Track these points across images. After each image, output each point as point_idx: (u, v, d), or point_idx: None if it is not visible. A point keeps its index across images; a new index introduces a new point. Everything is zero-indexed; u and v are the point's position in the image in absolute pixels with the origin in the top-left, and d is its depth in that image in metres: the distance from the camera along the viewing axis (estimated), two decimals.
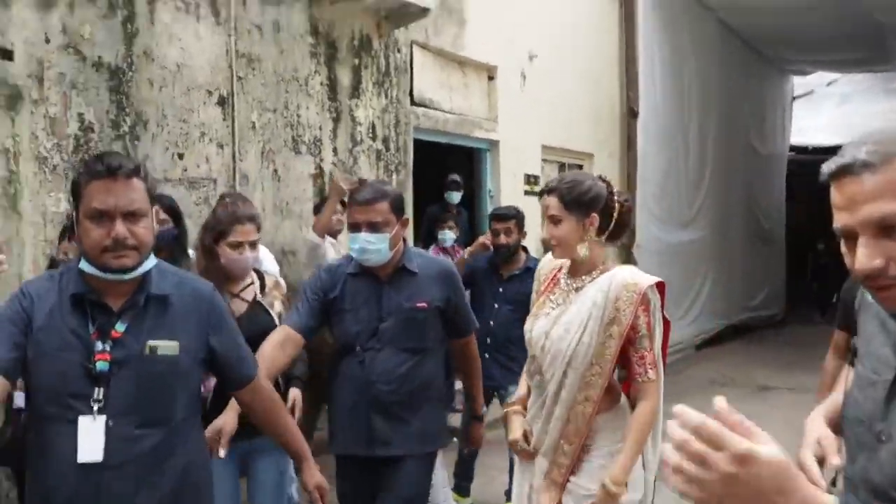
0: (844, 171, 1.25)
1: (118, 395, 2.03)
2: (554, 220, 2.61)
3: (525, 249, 5.29)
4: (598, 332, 2.56)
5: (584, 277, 2.67)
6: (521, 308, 4.96)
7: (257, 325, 3.22)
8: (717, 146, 12.01)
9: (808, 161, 16.87)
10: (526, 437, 2.78)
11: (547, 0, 8.62)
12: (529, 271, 5.02)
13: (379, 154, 6.81)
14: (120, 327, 2.10)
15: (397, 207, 3.09)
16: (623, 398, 2.69)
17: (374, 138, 6.75)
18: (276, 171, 5.93)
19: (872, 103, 15.61)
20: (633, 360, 2.59)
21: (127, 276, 2.10)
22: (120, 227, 2.03)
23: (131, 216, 2.06)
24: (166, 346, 2.10)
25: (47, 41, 4.67)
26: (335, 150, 6.41)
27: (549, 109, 8.72)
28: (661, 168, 10.32)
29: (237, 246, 3.25)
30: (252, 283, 3.42)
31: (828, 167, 1.27)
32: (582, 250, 2.60)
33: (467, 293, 5.23)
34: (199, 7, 5.42)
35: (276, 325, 3.27)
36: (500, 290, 5.10)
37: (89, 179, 2.07)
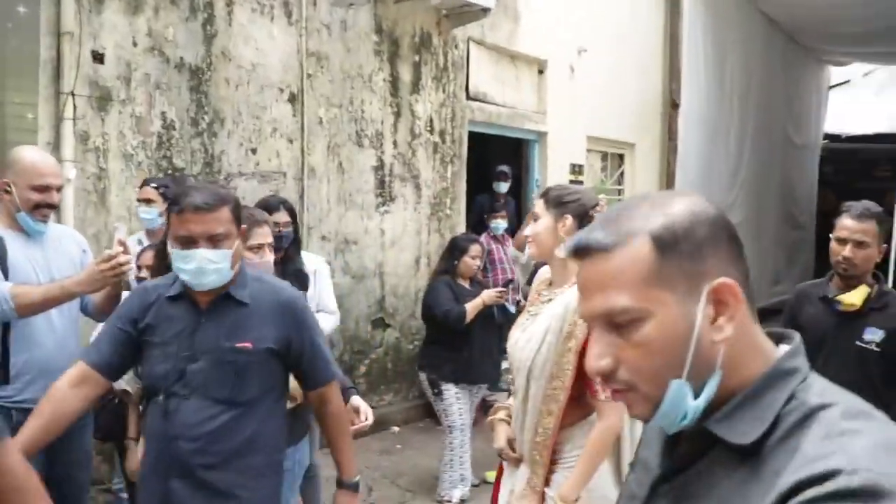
0: (581, 252, 1.07)
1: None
2: (534, 217, 2.70)
3: None
4: (556, 344, 2.54)
5: (556, 290, 2.67)
6: None
7: None
8: (755, 136, 12.12)
9: (840, 149, 16.95)
10: (511, 444, 2.75)
11: None
12: None
13: (436, 146, 7.03)
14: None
15: (237, 215, 2.45)
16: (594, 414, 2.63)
17: (431, 131, 6.97)
18: (340, 164, 6.17)
19: None
20: (589, 379, 2.47)
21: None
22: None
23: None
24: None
25: (135, 44, 4.92)
26: (395, 143, 6.64)
27: (595, 101, 8.88)
28: (701, 158, 10.45)
29: (258, 249, 3.11)
30: None
31: (567, 245, 1.10)
32: (559, 252, 2.48)
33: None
34: (272, 8, 5.64)
35: None
36: None
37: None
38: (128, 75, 4.89)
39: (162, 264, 3.05)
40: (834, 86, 16.22)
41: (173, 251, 2.36)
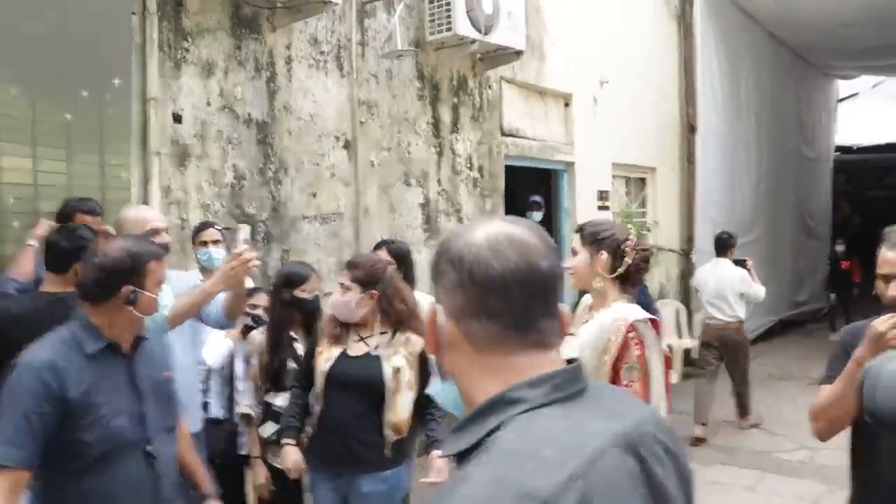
0: None
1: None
2: (573, 252, 2.97)
3: None
4: (592, 359, 2.78)
5: (594, 312, 2.93)
6: None
7: (360, 371, 3.49)
8: (771, 153, 12.53)
9: (852, 160, 17.36)
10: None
11: (615, 27, 9.24)
12: None
13: (475, 182, 7.47)
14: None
15: None
16: None
17: (471, 168, 7.42)
18: (391, 202, 6.61)
19: None
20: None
21: None
22: None
23: None
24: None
25: (208, 104, 5.37)
26: (439, 181, 7.08)
27: (617, 129, 9.33)
28: (721, 177, 10.86)
29: (341, 287, 3.58)
30: (384, 332, 3.58)
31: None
32: (596, 283, 2.90)
33: None
34: (326, 63, 6.10)
35: (381, 381, 3.45)
36: None
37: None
38: (203, 133, 5.33)
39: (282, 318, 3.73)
40: (843, 98, 16.64)
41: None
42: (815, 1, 10.46)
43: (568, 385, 1.14)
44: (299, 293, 3.99)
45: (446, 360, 1.21)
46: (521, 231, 1.19)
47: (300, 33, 5.92)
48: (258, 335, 4.09)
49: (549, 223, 8.74)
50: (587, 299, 3.11)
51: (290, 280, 4.03)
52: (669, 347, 9.60)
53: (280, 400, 3.92)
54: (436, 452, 3.51)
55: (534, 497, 0.97)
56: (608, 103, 9.14)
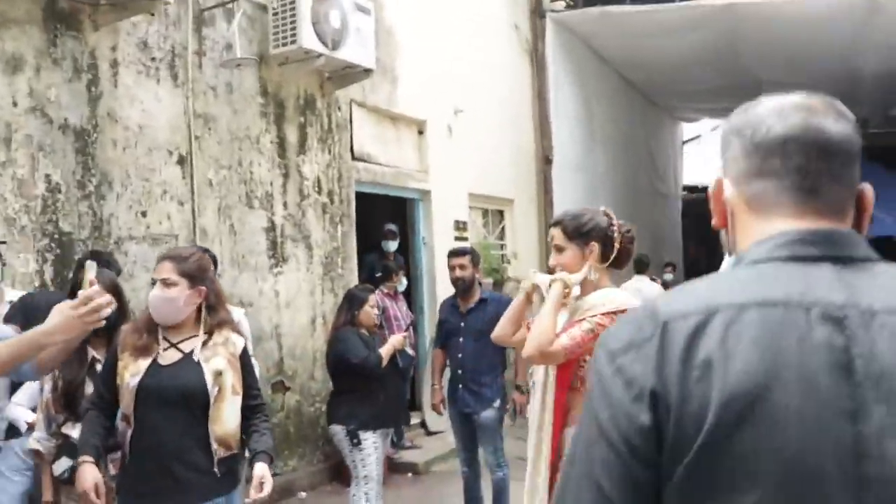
0: None
1: None
2: (558, 249, 2.86)
3: (480, 283, 5.69)
4: (566, 319, 2.77)
5: (582, 297, 2.85)
6: (483, 337, 5.34)
7: (177, 380, 2.99)
8: (625, 185, 12.77)
9: (698, 200, 18.02)
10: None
11: (469, 57, 9.09)
12: (484, 302, 5.42)
13: (325, 207, 7.06)
14: None
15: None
16: None
17: (319, 192, 7.00)
18: (232, 225, 6.11)
19: None
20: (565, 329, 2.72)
21: None
22: None
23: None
24: None
25: (14, 104, 4.76)
26: (285, 205, 6.63)
27: (473, 159, 9.16)
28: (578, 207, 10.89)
29: (153, 284, 3.07)
30: (196, 335, 3.10)
31: None
32: (591, 275, 2.82)
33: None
34: (158, 70, 5.59)
35: (204, 387, 2.99)
36: (462, 324, 5.45)
37: None
38: (8, 136, 4.72)
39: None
40: (687, 140, 17.34)
41: None
42: (655, 42, 10.75)
43: (802, 246, 1.08)
44: None
45: (731, 232, 1.20)
46: (809, 98, 1.16)
47: (128, 35, 5.40)
48: None
49: (406, 253, 8.42)
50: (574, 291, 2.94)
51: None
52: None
53: (77, 432, 3.25)
54: (258, 466, 2.99)
55: (656, 314, 1.05)
56: (463, 132, 8.97)
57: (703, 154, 17.29)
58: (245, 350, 3.19)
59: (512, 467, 5.64)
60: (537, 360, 2.74)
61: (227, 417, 3.02)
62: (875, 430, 0.94)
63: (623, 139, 12.79)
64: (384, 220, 7.96)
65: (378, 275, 7.26)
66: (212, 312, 3.12)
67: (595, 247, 2.81)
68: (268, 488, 2.97)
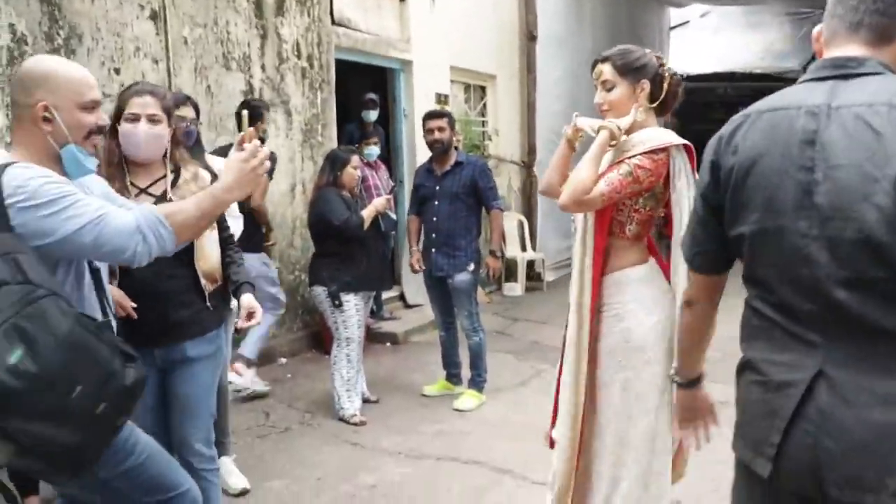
0: None
1: None
2: (607, 86, 2.73)
3: (456, 148, 5.62)
4: (608, 162, 2.69)
5: (624, 138, 2.72)
6: (457, 201, 5.31)
7: None
8: None
9: (684, 88, 17.80)
10: None
11: None
12: (460, 165, 5.35)
13: (304, 72, 6.86)
14: None
15: None
16: (651, 261, 2.76)
17: (298, 56, 6.79)
18: (209, 87, 5.92)
19: (739, 35, 16.50)
20: (604, 173, 2.63)
21: None
22: None
23: None
24: None
25: None
26: (263, 67, 6.42)
27: (456, 32, 8.91)
28: (561, 88, 10.67)
29: (133, 119, 2.87)
30: (164, 175, 3.00)
31: None
32: (639, 115, 2.68)
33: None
34: None
35: None
36: (438, 187, 5.39)
37: None
38: None
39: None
40: (674, 27, 16.94)
41: None
42: None
43: (822, 69, 1.60)
44: None
45: None
46: None
47: None
48: None
49: (386, 125, 8.28)
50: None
51: None
52: (513, 259, 9.43)
53: None
54: (244, 297, 3.04)
55: (719, 134, 1.72)
56: (446, 3, 8.68)
57: (691, 40, 16.94)
58: (213, 182, 3.03)
59: (489, 338, 5.71)
60: (572, 208, 2.64)
61: (209, 253, 3.01)
62: (821, 176, 1.49)
63: (609, 21, 12.43)
64: (365, 91, 7.77)
65: (356, 145, 7.13)
66: (177, 148, 3.06)
67: (646, 85, 2.70)
68: (258, 316, 3.04)
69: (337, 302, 4.92)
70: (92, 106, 2.20)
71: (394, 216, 5.50)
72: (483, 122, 10.07)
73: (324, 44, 7.07)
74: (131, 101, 2.90)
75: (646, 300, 2.67)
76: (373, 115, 7.50)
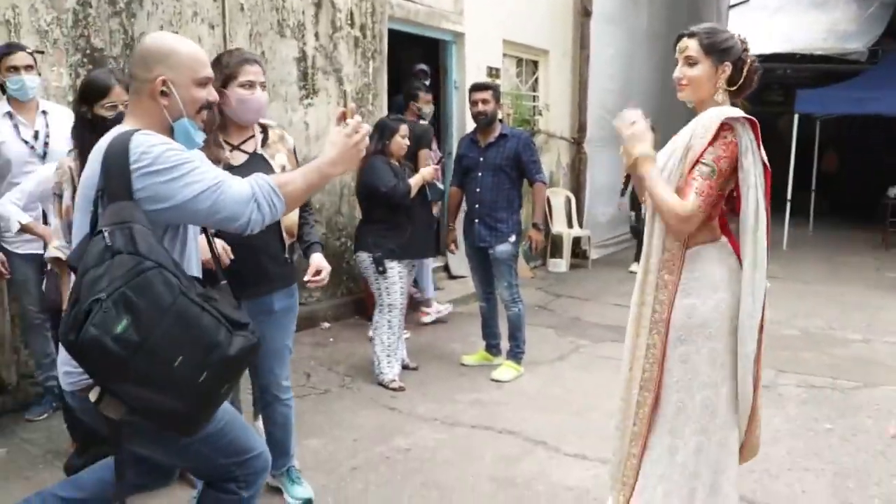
0: None
1: None
2: (689, 62, 2.69)
3: (501, 121, 5.63)
4: (680, 161, 2.66)
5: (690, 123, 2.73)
6: (500, 173, 5.34)
7: None
8: (666, 49, 12.30)
9: None
10: None
11: None
12: (504, 138, 5.37)
13: (357, 41, 6.91)
14: None
15: None
16: (722, 239, 2.74)
17: (352, 25, 6.85)
18: (263, 53, 6.01)
19: (802, 14, 16.12)
20: (686, 181, 2.61)
21: None
22: None
23: None
24: None
25: None
26: (317, 35, 6.49)
27: (510, 5, 8.88)
28: (615, 67, 10.62)
29: (249, 86, 3.10)
30: (253, 135, 3.24)
31: None
32: (718, 96, 2.67)
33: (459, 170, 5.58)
34: None
35: None
36: (481, 159, 5.42)
37: None
38: None
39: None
40: (734, 5, 16.63)
41: None
42: None
43: None
44: (100, 110, 3.19)
45: None
46: None
47: None
48: (68, 161, 3.27)
49: (437, 97, 8.29)
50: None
51: (87, 93, 3.22)
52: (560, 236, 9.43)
53: None
54: (314, 256, 3.43)
55: None
56: None
57: (750, 20, 16.62)
58: (294, 146, 3.39)
59: (531, 312, 5.74)
60: (685, 232, 2.64)
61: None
62: None
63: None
64: (416, 63, 7.79)
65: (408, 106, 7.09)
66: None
67: (728, 68, 2.67)
68: (325, 275, 3.40)
69: (381, 268, 5.00)
70: (206, 82, 2.28)
71: (441, 186, 5.53)
72: (534, 96, 10.04)
73: (377, 13, 7.11)
74: (244, 69, 3.10)
75: (713, 277, 2.69)
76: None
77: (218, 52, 5.51)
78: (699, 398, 2.69)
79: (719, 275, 2.68)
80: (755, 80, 2.75)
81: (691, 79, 2.70)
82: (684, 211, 2.57)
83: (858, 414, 4.83)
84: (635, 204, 9.13)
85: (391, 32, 7.35)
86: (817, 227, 14.07)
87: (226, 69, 3.10)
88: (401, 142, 5.12)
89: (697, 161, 2.61)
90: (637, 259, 8.77)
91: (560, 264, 9.59)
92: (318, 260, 3.41)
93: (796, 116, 11.88)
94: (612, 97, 10.45)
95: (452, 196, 5.69)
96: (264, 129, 3.28)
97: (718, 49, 2.67)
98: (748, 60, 2.69)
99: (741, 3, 16.97)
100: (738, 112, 2.60)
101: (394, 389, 5.08)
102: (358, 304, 7.00)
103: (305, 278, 3.40)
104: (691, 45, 2.70)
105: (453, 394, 5.08)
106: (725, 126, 2.58)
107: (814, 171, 14.37)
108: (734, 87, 2.70)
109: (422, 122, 6.59)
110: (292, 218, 3.32)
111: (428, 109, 6.81)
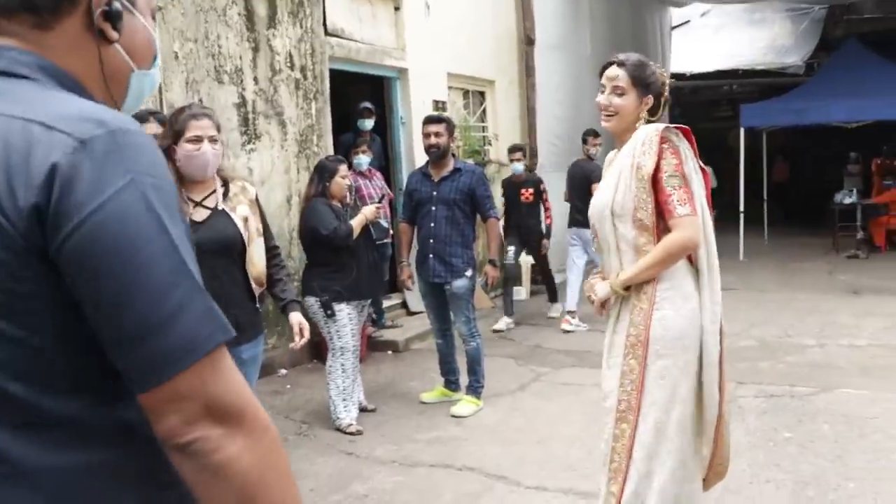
0: None
1: None
2: (618, 91, 2.81)
3: (454, 155, 5.62)
4: (630, 180, 2.71)
5: (621, 145, 2.87)
6: (455, 207, 5.31)
7: (218, 233, 3.15)
8: None
9: (686, 87, 17.73)
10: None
11: None
12: (458, 172, 5.35)
13: (297, 83, 6.89)
14: None
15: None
16: (683, 262, 2.78)
17: (292, 67, 6.82)
18: (201, 100, 5.94)
19: (742, 31, 16.45)
20: (663, 201, 2.68)
21: None
22: None
23: None
24: None
25: None
26: (256, 80, 6.46)
27: (453, 38, 8.93)
28: (562, 93, 10.68)
29: (196, 141, 3.09)
30: (215, 190, 3.24)
31: None
32: (639, 125, 2.80)
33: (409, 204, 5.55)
34: None
35: (240, 234, 3.18)
36: (435, 192, 5.38)
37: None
38: None
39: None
40: (676, 26, 16.89)
41: None
42: None
43: None
44: None
45: None
46: None
47: None
48: None
49: (384, 133, 8.29)
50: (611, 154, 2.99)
51: None
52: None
53: None
54: (293, 315, 3.49)
55: None
56: (442, 9, 8.70)
57: (693, 39, 16.89)
58: (257, 196, 3.45)
59: (491, 342, 5.71)
60: (699, 239, 2.72)
61: (258, 258, 3.29)
62: None
63: (609, 23, 12.42)
64: (361, 101, 7.79)
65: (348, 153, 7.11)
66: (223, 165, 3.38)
67: (650, 100, 2.81)
68: (306, 334, 3.51)
69: (329, 312, 4.92)
70: None
71: (385, 224, 5.50)
72: (483, 127, 10.07)
73: (317, 54, 7.10)
74: (190, 124, 3.13)
75: (683, 288, 2.73)
76: (368, 123, 7.50)
77: (153, 102, 5.51)
78: (675, 415, 2.70)
79: (688, 285, 2.74)
80: (667, 103, 2.92)
81: (619, 107, 2.82)
82: (684, 230, 2.66)
83: (816, 419, 4.87)
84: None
85: (335, 71, 7.34)
86: (772, 236, 14.25)
87: (175, 126, 3.17)
88: (341, 182, 5.08)
89: (657, 179, 2.68)
90: (552, 300, 8.68)
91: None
92: (297, 319, 3.49)
93: (742, 130, 12.11)
94: (561, 123, 10.52)
95: (404, 232, 5.65)
96: (225, 182, 3.31)
97: (644, 83, 2.80)
98: (665, 93, 2.85)
99: (683, 23, 17.24)
100: (668, 125, 2.75)
101: (351, 434, 4.99)
102: (315, 348, 6.89)
103: (291, 345, 3.62)
104: (621, 76, 2.81)
105: (412, 433, 5.00)
106: (663, 139, 2.68)
107: (764, 181, 14.64)
108: (654, 118, 2.83)
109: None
110: (260, 268, 3.32)
111: (365, 159, 6.88)
